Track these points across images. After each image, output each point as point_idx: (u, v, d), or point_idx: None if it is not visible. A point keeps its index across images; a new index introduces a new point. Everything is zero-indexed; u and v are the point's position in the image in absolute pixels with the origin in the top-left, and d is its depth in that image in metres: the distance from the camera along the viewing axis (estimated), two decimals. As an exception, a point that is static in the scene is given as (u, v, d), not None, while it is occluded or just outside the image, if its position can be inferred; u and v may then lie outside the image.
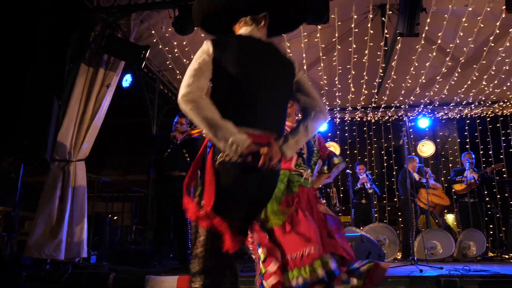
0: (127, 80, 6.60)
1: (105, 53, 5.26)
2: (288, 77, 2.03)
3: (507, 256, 7.11)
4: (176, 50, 6.32)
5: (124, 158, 14.18)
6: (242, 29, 2.05)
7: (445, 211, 9.19)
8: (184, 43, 6.09)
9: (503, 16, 5.51)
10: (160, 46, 6.17)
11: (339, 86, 7.33)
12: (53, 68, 5.26)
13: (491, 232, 8.14)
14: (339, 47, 6.20)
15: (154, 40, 6.02)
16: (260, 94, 1.86)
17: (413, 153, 8.92)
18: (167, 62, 6.70)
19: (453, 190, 7.98)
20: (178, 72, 7.09)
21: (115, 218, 8.57)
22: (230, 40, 1.95)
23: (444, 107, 8.61)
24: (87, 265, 5.02)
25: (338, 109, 8.66)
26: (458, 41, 6.01)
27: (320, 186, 3.71)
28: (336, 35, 5.91)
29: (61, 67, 5.24)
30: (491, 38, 5.92)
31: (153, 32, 5.92)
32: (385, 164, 9.83)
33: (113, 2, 5.34)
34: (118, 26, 5.49)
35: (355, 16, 5.65)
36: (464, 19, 5.61)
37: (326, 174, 3.35)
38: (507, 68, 6.65)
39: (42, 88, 4.94)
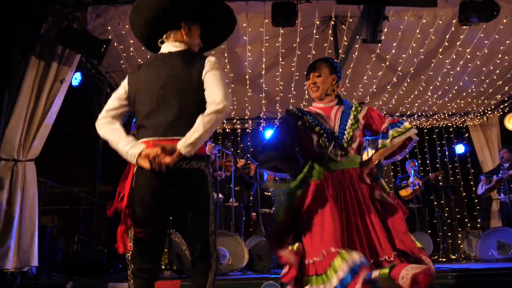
0: (76, 79, 6.20)
1: (61, 44, 4.88)
2: (187, 84, 2.17)
3: (453, 257, 7.48)
4: (131, 49, 6.05)
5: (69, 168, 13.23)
6: (163, 45, 2.35)
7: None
8: (142, 41, 5.82)
9: (452, 29, 5.89)
10: (115, 44, 5.87)
11: (294, 93, 7.40)
12: (3, 57, 4.78)
13: (437, 238, 8.57)
14: (299, 52, 6.27)
15: (110, 37, 5.71)
16: (151, 109, 2.16)
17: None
18: (121, 62, 6.38)
19: (397, 196, 8.30)
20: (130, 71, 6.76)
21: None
22: (137, 69, 2.32)
23: (390, 117, 8.98)
24: (38, 275, 4.55)
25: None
26: (410, 52, 6.31)
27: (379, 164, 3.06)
28: (297, 40, 5.97)
29: (9, 59, 4.79)
30: (440, 50, 6.29)
31: (108, 28, 5.62)
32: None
33: (70, -7, 5.00)
34: (76, 18, 5.14)
35: (317, 23, 5.74)
36: (417, 31, 5.91)
37: (383, 149, 2.62)
38: (450, 80, 7.09)
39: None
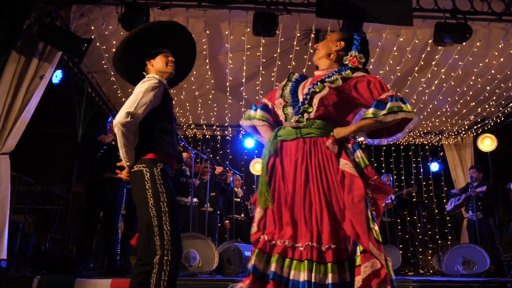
0: (57, 76, 6.22)
1: (42, 40, 4.92)
2: None
3: (422, 271, 7.63)
4: (114, 50, 6.10)
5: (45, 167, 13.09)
6: None
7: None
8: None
9: (428, 49, 6.09)
10: (98, 44, 5.92)
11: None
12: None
13: (401, 252, 8.72)
14: (279, 63, 6.40)
15: (93, 36, 5.76)
16: None
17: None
18: (103, 62, 6.43)
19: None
20: (112, 73, 6.82)
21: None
22: None
23: (364, 132, 9.17)
24: (7, 269, 4.53)
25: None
26: (387, 68, 6.50)
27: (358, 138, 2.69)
28: (278, 50, 6.10)
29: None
30: (416, 68, 6.49)
31: (92, 28, 5.68)
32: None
33: (54, -10, 5.05)
34: (59, 16, 5.19)
35: (298, 35, 5.88)
36: (395, 48, 6.10)
37: (371, 120, 2.21)
38: (425, 98, 7.30)
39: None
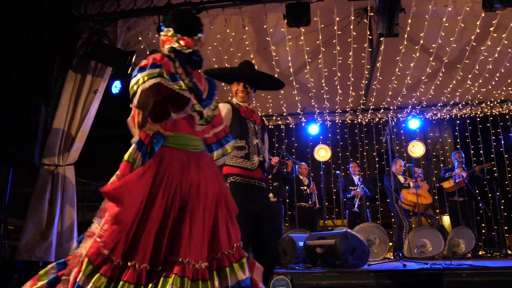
0: (116, 87, 6.70)
1: (92, 59, 5.37)
2: None
3: (498, 254, 7.14)
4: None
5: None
6: None
7: (438, 211, 9.26)
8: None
9: (483, 15, 5.62)
10: (148, 52, 6.26)
11: (327, 88, 7.43)
12: (40, 74, 5.35)
13: (483, 231, 8.20)
14: (323, 49, 6.31)
15: (142, 47, 6.13)
16: None
17: (404, 154, 9.03)
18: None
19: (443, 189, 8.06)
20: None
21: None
22: None
23: (433, 108, 8.70)
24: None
25: (328, 111, 8.75)
26: (440, 41, 6.12)
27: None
28: (320, 37, 6.01)
29: (48, 74, 5.34)
30: (473, 37, 6.02)
31: (140, 38, 6.04)
32: (377, 166, 9.89)
33: (100, 10, 5.45)
34: (105, 33, 5.61)
35: (338, 19, 5.75)
36: (444, 19, 5.72)
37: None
38: (490, 67, 6.74)
39: (29, 95, 5.04)
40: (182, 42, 2.17)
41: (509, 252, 7.02)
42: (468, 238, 6.78)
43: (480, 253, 7.42)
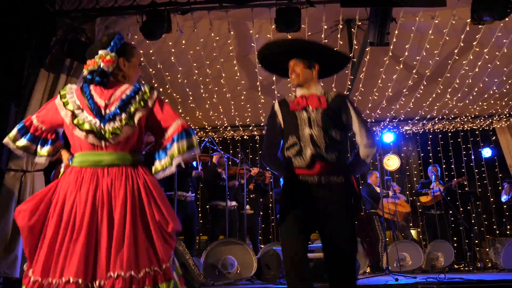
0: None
1: (68, 57, 5.00)
2: None
3: (473, 267, 7.18)
4: (142, 59, 6.13)
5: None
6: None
7: (411, 224, 9.30)
8: (151, 51, 5.91)
9: (467, 29, 5.67)
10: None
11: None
12: (10, 73, 4.92)
13: (455, 245, 8.26)
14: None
15: (119, 48, 5.79)
16: None
17: (378, 167, 9.01)
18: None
19: (418, 203, 8.09)
20: (143, 82, 6.85)
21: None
22: None
23: (409, 121, 8.77)
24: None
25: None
26: (424, 54, 6.12)
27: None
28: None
29: (19, 73, 4.93)
30: (456, 51, 6.07)
31: (118, 39, 5.70)
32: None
33: (77, 6, 5.10)
34: (83, 31, 5.25)
35: (325, 27, 5.64)
36: (430, 32, 5.72)
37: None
38: (470, 81, 6.83)
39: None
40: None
41: (488, 265, 7.07)
42: (446, 251, 6.78)
43: (454, 266, 7.44)
